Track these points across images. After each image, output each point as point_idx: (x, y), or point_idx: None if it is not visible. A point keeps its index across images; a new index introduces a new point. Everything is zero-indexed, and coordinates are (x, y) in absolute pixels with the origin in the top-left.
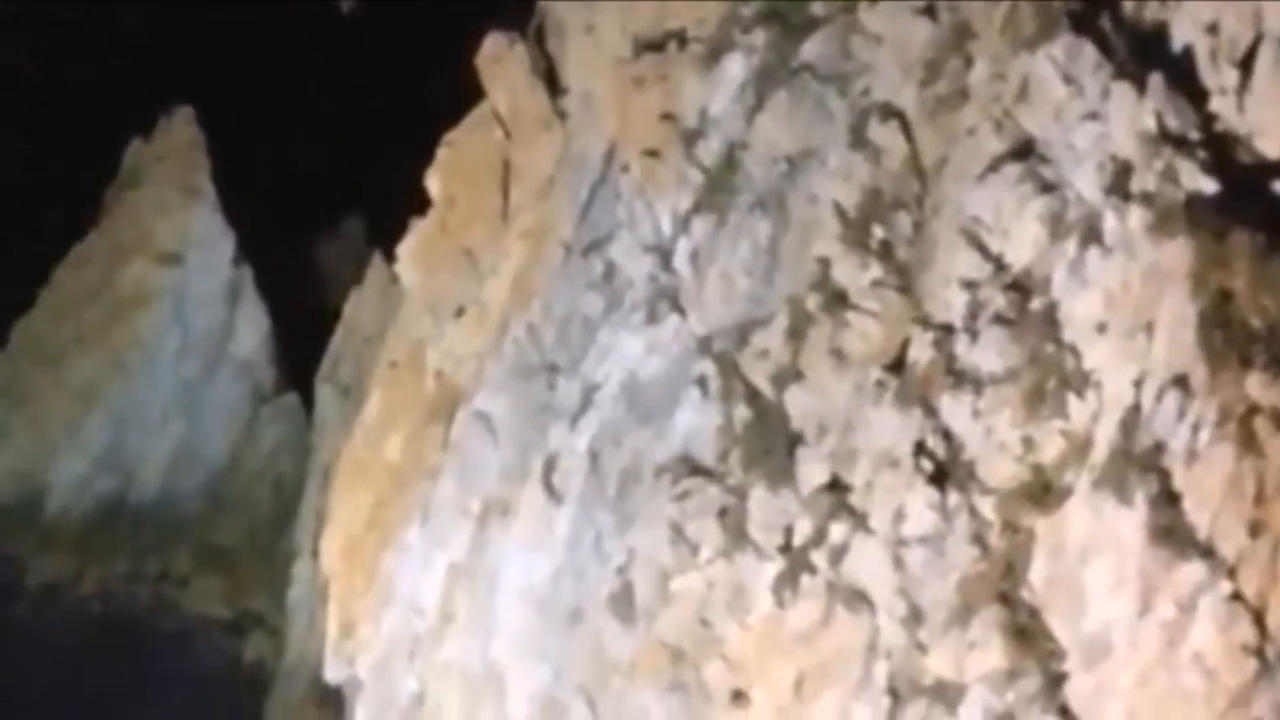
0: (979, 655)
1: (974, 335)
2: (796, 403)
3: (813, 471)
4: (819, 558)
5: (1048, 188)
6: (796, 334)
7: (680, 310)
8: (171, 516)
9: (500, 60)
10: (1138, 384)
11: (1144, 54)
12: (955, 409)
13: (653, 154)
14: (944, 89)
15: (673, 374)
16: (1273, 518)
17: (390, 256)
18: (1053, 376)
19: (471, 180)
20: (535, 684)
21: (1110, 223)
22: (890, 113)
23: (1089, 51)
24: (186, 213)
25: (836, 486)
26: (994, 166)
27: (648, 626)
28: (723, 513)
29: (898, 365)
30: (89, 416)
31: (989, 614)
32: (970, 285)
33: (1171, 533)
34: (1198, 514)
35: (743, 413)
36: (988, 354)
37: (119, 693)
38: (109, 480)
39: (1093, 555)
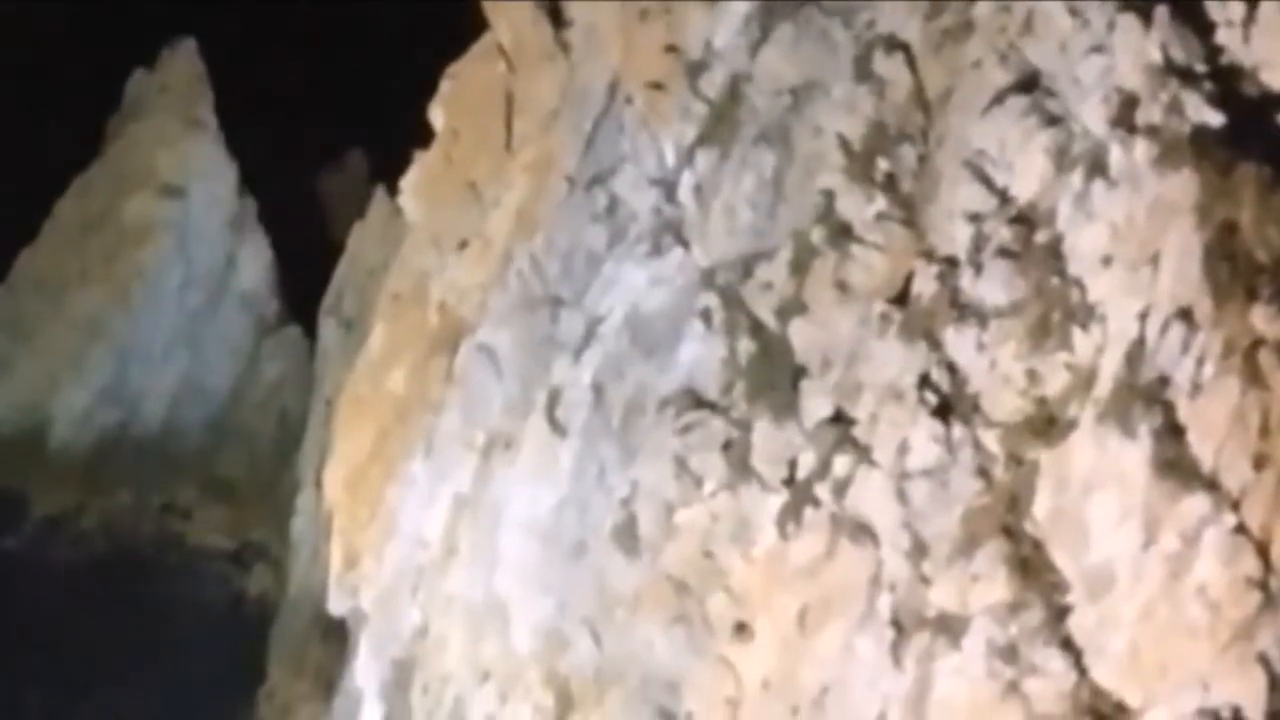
0: (982, 588)
1: (978, 268)
2: (800, 335)
3: (817, 404)
4: (823, 490)
5: (1053, 120)
6: (800, 267)
7: (684, 243)
8: (175, 449)
9: None
10: (1142, 317)
11: None
12: (959, 342)
13: (657, 86)
14: (949, 21)
15: (676, 307)
16: (1277, 450)
17: (393, 189)
18: (1057, 309)
19: (475, 113)
20: (539, 616)
21: (1115, 155)
22: (895, 45)
23: None
24: (189, 145)
25: (840, 419)
26: (999, 99)
27: (651, 559)
28: (726, 445)
29: (902, 298)
30: (92, 349)
31: (993, 547)
32: (975, 218)
33: (1175, 466)
34: (1202, 447)
35: (746, 345)
36: (992, 287)
37: (122, 625)
38: (112, 413)
39: (1096, 488)
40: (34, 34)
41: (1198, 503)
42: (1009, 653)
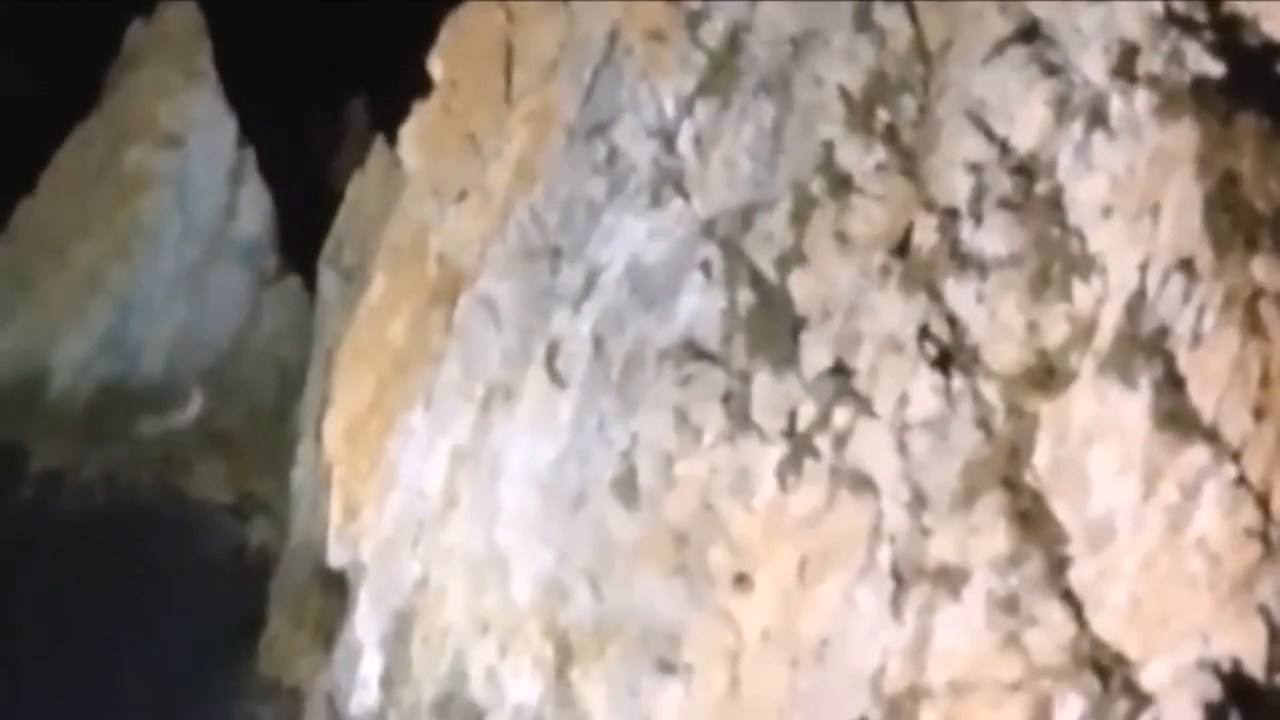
0: (982, 539)
1: (979, 219)
2: (800, 286)
3: (816, 355)
4: (823, 442)
5: (1053, 70)
6: (800, 218)
7: (684, 194)
8: (174, 400)
9: None
10: (1143, 268)
11: None
12: (960, 293)
13: (656, 36)
14: None
15: (676, 258)
16: (1277, 401)
17: (393, 139)
18: (1057, 260)
19: (474, 63)
20: (539, 567)
21: (1116, 106)
22: None
23: None
24: (188, 95)
25: (840, 370)
26: (999, 49)
27: (651, 511)
28: (726, 397)
29: (902, 249)
30: (91, 300)
31: (992, 498)
32: (975, 168)
33: (1176, 417)
34: (1202, 398)
35: (746, 297)
36: (992, 237)
37: (122, 577)
38: (111, 364)
39: (1097, 439)
40: None
41: (1198, 454)
42: (1009, 604)
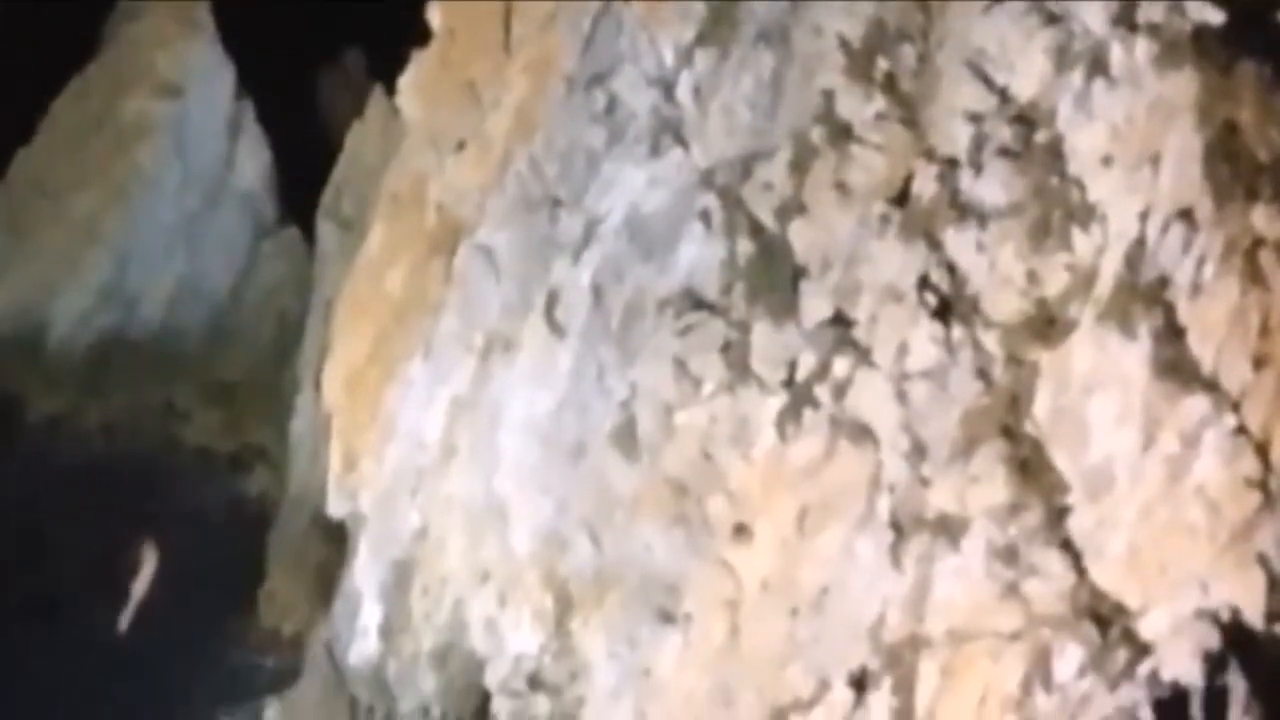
0: (982, 489)
1: (978, 168)
2: (800, 236)
3: (816, 305)
4: (822, 392)
5: (1053, 19)
6: (800, 167)
7: (683, 143)
8: (173, 350)
9: None
10: (1143, 217)
11: None
12: (959, 242)
13: None
14: None
15: (675, 207)
16: (1277, 351)
17: (391, 89)
18: (1057, 210)
19: (472, 12)
20: (538, 518)
21: (1116, 54)
22: None
23: None
24: (186, 45)
25: (840, 320)
26: None
27: (651, 461)
28: (726, 347)
29: (902, 198)
30: (90, 250)
31: (992, 448)
32: (975, 118)
33: (1175, 366)
34: (1202, 347)
35: (746, 246)
36: (992, 187)
37: (121, 528)
38: (110, 314)
39: (1096, 389)
40: None
41: (1198, 403)
42: (1008, 554)
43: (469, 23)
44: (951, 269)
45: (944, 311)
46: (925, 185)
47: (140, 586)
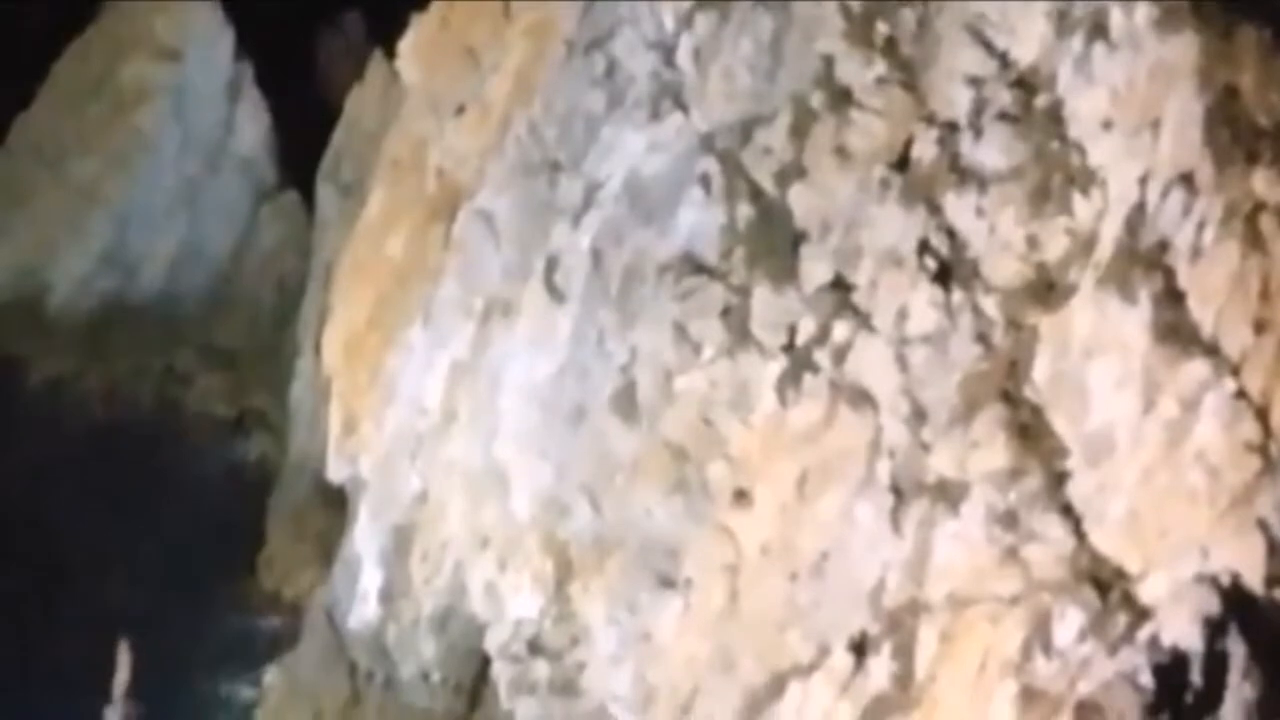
0: (982, 454)
1: (978, 132)
2: (800, 201)
3: (816, 270)
4: (822, 356)
5: None
6: (800, 131)
7: (683, 107)
8: (174, 315)
9: None
10: (1143, 181)
11: None
12: (959, 207)
13: None
14: None
15: (675, 172)
16: (1277, 315)
17: (391, 53)
18: (1057, 174)
19: None
20: (538, 482)
21: (1117, 18)
22: None
23: None
24: (185, 8)
25: (840, 285)
26: None
27: (650, 426)
28: (726, 311)
29: (902, 163)
30: (90, 214)
31: (992, 412)
32: (975, 82)
33: (1175, 330)
34: (1202, 311)
35: (746, 211)
36: (992, 151)
37: (121, 491)
38: (111, 278)
39: (1096, 353)
40: None
41: (1197, 368)
42: (1008, 518)
43: None
44: (951, 233)
45: (944, 276)
46: (925, 150)
47: (120, 687)
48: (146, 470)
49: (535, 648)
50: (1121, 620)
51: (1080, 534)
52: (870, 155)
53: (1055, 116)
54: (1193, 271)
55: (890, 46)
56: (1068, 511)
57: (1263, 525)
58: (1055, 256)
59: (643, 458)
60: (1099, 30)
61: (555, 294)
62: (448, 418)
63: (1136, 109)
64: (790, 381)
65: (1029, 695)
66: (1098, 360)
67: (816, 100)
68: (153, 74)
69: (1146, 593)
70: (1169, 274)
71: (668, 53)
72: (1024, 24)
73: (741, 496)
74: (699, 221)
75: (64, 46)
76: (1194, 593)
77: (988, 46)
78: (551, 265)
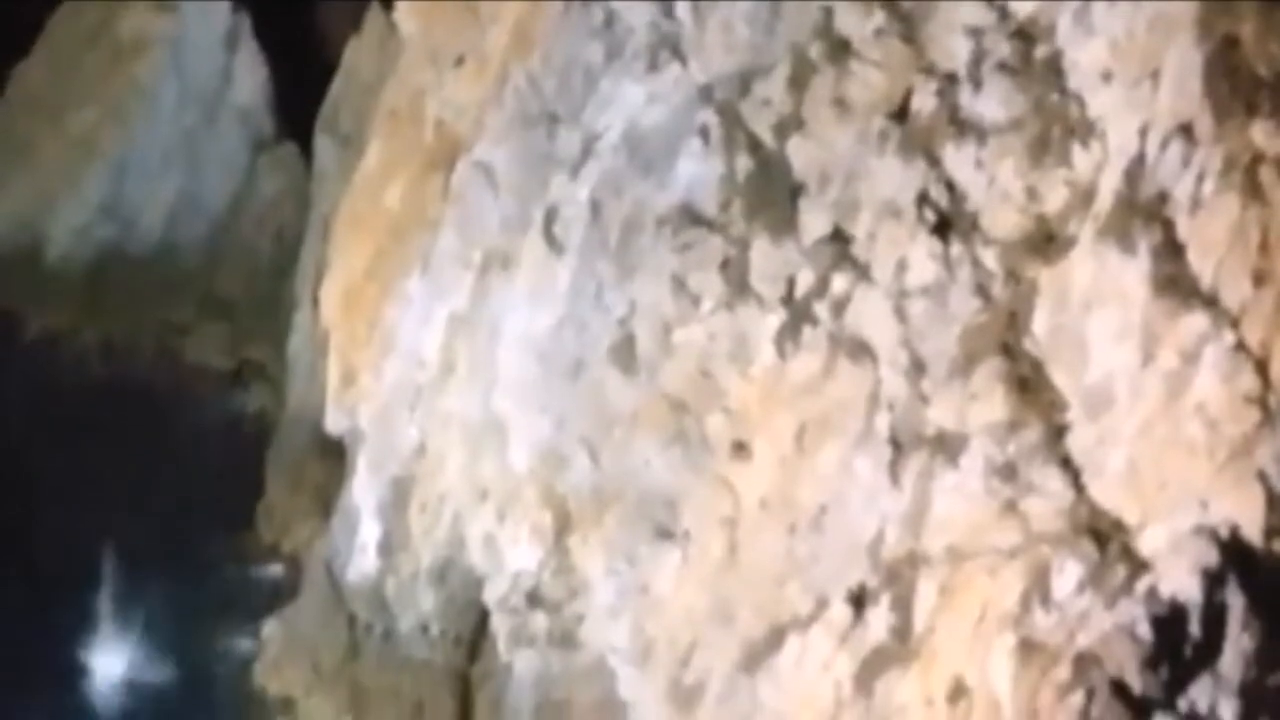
0: (981, 406)
1: (978, 84)
2: (799, 152)
3: (815, 222)
4: (821, 309)
5: None
6: (799, 83)
7: (681, 59)
8: (171, 266)
9: None
10: (1143, 133)
11: None
12: (959, 159)
13: None
14: None
15: (674, 123)
16: (1277, 267)
17: (389, 4)
18: (1057, 125)
19: None
20: (537, 434)
21: None
22: None
23: None
24: None
25: (839, 237)
26: None
27: (649, 378)
28: (725, 263)
29: (901, 114)
30: (88, 165)
31: (991, 365)
32: (974, 33)
33: (1175, 282)
34: (1201, 263)
35: (744, 163)
36: (991, 103)
37: (120, 443)
38: (109, 229)
39: (1096, 306)
40: None
41: (1197, 320)
42: (1007, 471)
43: None
44: (951, 185)
45: (943, 228)
46: (924, 101)
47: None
48: (144, 422)
49: (534, 600)
50: (1120, 572)
51: (1079, 486)
52: (869, 107)
53: (1055, 68)
54: (1192, 223)
55: None
56: (1067, 464)
57: (1262, 477)
58: (1055, 208)
59: (641, 410)
60: None
61: (554, 246)
62: (446, 370)
63: (1136, 60)
64: (789, 334)
65: (1027, 647)
66: (1097, 312)
67: (815, 52)
68: (150, 25)
69: (1145, 545)
70: (1168, 226)
71: (666, 4)
72: None
73: (740, 449)
74: (698, 173)
75: None
76: (1193, 545)
77: None
78: (550, 217)
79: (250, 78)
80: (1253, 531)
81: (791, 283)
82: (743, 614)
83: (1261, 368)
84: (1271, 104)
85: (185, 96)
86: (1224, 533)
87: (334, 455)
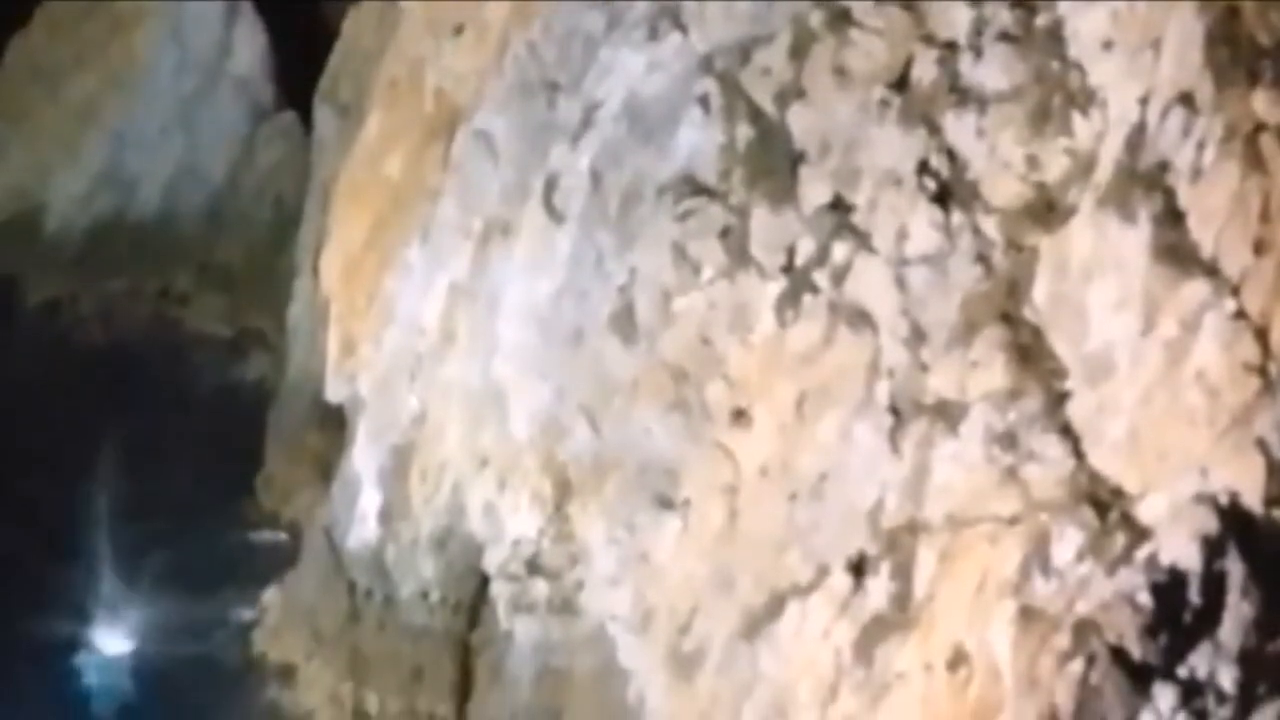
0: (981, 374)
1: (978, 52)
2: (799, 121)
3: (815, 190)
4: (821, 277)
5: None
6: (799, 52)
7: (682, 27)
8: (171, 235)
9: None
10: (1143, 101)
11: None
12: (959, 127)
13: None
14: None
15: (674, 92)
16: (1277, 235)
17: None
18: (1058, 94)
19: None
20: (537, 403)
21: None
22: None
23: None
24: None
25: (839, 205)
26: None
27: (649, 346)
28: (725, 232)
29: (901, 83)
30: (87, 134)
31: (991, 333)
32: (975, 1)
33: (1175, 251)
34: (1202, 232)
35: (745, 131)
36: (992, 71)
37: (120, 411)
38: (108, 198)
39: (1096, 274)
40: None
41: (1197, 288)
42: (1007, 439)
43: None
44: (951, 154)
45: (943, 197)
46: (925, 70)
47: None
48: (144, 390)
49: (534, 567)
50: (1120, 540)
51: (1079, 454)
52: (870, 75)
53: (1055, 36)
54: (1193, 192)
55: None
56: (1067, 432)
57: (1262, 445)
58: (1055, 177)
59: (641, 378)
60: None
61: (554, 215)
62: (446, 338)
63: (1137, 29)
64: (789, 302)
65: (1027, 615)
66: (1097, 281)
67: (816, 20)
68: None
69: (1145, 513)
70: (1169, 194)
71: None
72: None
73: (740, 417)
74: (698, 142)
75: None
76: (1193, 512)
77: None
78: (550, 186)
79: (249, 47)
80: (1252, 499)
81: (792, 251)
82: (743, 582)
83: (1261, 336)
84: (1272, 73)
85: (184, 66)
86: (1224, 500)
87: (334, 423)
